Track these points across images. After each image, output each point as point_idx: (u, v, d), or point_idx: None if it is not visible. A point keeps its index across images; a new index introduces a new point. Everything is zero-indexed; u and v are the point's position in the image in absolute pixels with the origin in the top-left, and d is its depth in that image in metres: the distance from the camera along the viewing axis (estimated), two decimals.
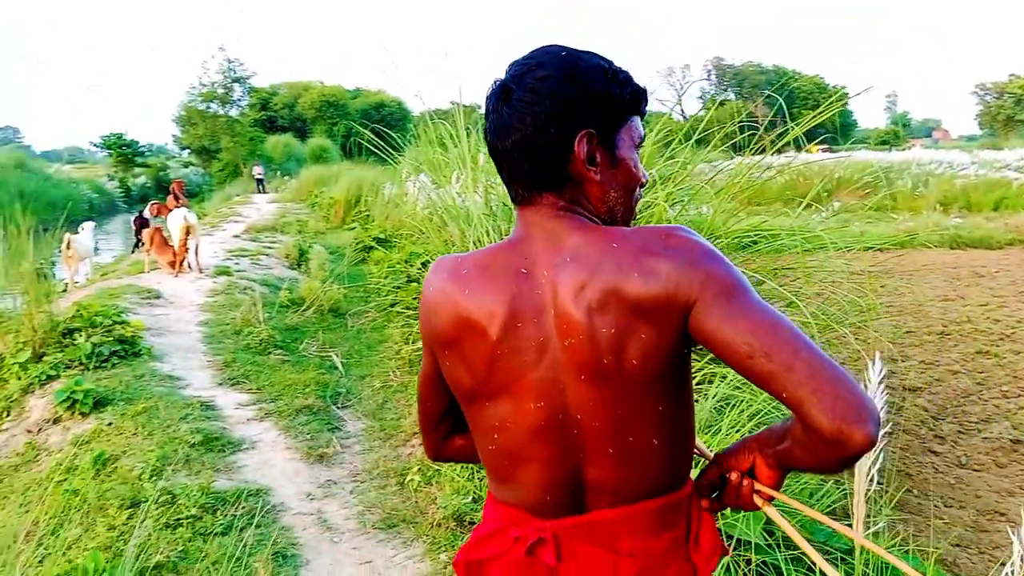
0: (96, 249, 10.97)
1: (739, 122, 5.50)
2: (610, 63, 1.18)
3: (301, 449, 4.53)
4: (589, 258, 1.09)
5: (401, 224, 10.22)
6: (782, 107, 5.68)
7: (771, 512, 1.15)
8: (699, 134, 5.44)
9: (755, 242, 5.16)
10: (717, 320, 1.02)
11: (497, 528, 1.24)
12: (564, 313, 1.10)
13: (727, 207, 5.21)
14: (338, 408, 5.32)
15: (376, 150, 8.59)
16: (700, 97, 64.33)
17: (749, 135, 5.33)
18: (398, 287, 8.17)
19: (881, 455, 1.79)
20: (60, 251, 11.09)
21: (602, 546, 1.17)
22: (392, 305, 7.85)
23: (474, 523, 3.57)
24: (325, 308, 7.98)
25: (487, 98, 1.18)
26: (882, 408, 1.77)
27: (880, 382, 1.78)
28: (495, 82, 1.18)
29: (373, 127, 9.06)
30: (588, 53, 1.17)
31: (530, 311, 1.12)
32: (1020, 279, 10.72)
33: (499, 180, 5.54)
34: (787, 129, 5.14)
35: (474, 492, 3.79)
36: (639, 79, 1.20)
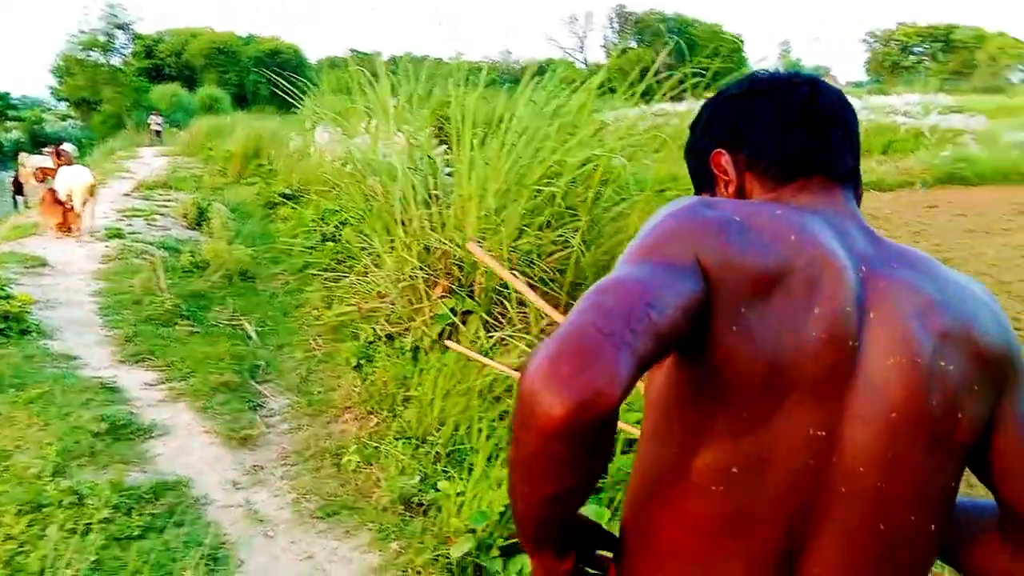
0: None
1: (642, 70, 5.43)
2: None
3: (221, 432, 4.17)
4: (925, 275, 0.86)
5: (310, 178, 9.70)
6: (683, 55, 5.67)
7: None
8: (605, 83, 5.49)
9: (665, 190, 5.13)
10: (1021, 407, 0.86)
11: None
12: (894, 331, 0.81)
13: (636, 156, 5.32)
14: (257, 383, 4.95)
15: (282, 96, 8.05)
16: (603, 45, 64.43)
17: (653, 83, 5.38)
18: (312, 247, 7.75)
19: None
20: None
21: None
22: (306, 266, 7.43)
23: (423, 505, 3.33)
24: (233, 272, 7.45)
25: (796, 84, 0.99)
26: None
27: None
28: (802, 77, 1.01)
29: (270, 75, 8.57)
30: None
31: (852, 299, 0.81)
32: (912, 220, 11.29)
33: (417, 131, 5.30)
34: (683, 77, 5.23)
35: (420, 471, 3.54)
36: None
